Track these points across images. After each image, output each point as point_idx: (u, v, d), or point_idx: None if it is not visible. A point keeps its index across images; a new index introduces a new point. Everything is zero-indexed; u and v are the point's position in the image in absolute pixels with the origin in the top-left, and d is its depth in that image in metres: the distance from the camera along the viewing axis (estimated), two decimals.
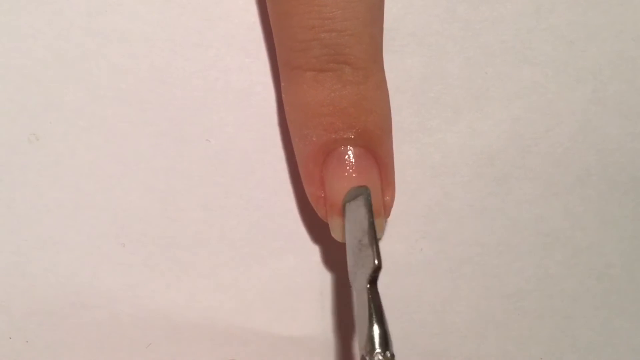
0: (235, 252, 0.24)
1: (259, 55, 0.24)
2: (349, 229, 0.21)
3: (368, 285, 0.20)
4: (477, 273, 0.24)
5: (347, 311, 0.24)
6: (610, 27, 0.25)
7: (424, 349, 0.24)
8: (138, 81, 0.24)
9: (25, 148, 0.24)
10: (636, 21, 0.25)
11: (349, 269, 0.21)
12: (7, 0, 0.24)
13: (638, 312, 0.25)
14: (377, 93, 0.22)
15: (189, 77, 0.24)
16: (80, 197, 0.24)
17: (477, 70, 0.24)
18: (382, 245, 0.24)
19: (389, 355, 0.19)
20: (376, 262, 0.20)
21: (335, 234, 0.22)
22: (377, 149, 0.22)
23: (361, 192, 0.21)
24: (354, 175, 0.21)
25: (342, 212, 0.22)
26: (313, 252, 0.24)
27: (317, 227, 0.24)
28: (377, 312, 0.19)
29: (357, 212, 0.21)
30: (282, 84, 0.23)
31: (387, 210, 0.23)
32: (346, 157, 0.22)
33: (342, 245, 0.22)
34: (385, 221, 0.23)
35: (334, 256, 0.24)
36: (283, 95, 0.23)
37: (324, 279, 0.24)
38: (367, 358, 0.19)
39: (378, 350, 0.19)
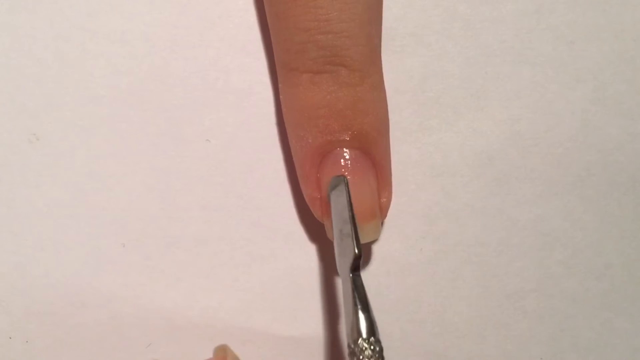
0: (235, 252, 0.24)
1: (258, 55, 0.24)
2: (333, 219, 0.21)
3: (350, 274, 0.20)
4: (477, 273, 0.24)
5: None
6: (610, 27, 0.25)
7: (424, 349, 0.24)
8: (138, 81, 0.24)
9: (25, 148, 0.24)
10: (636, 21, 0.25)
11: (336, 258, 0.21)
12: (7, 0, 0.24)
13: (638, 312, 0.25)
14: (373, 95, 0.22)
15: (189, 77, 0.24)
16: (80, 197, 0.24)
17: (477, 70, 0.24)
18: (382, 245, 0.24)
19: (373, 340, 0.19)
20: (356, 251, 0.20)
21: (331, 235, 0.22)
22: (373, 150, 0.22)
23: (340, 181, 0.21)
24: (349, 177, 0.21)
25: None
26: (313, 252, 0.24)
27: (317, 227, 0.24)
28: (361, 299, 0.19)
29: (338, 202, 0.21)
30: (279, 86, 0.23)
31: (383, 211, 0.23)
32: (342, 158, 0.22)
33: None
34: (382, 222, 0.23)
35: (333, 256, 0.24)
36: (280, 97, 0.23)
37: (324, 279, 0.24)
38: (352, 345, 0.19)
39: (364, 337, 0.19)
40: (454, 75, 0.24)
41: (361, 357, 0.19)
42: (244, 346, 0.24)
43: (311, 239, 0.24)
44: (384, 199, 0.23)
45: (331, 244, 0.23)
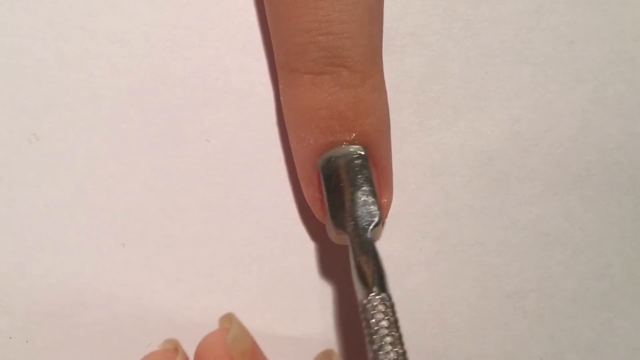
0: (235, 252, 0.24)
1: (258, 55, 0.24)
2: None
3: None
4: (477, 273, 0.24)
5: (347, 311, 0.24)
6: (610, 27, 0.25)
7: (424, 349, 0.24)
8: (138, 81, 0.24)
9: (25, 148, 0.24)
10: (636, 21, 0.25)
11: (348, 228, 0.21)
12: (7, 0, 0.24)
13: (638, 312, 0.25)
14: (374, 95, 0.22)
15: (189, 77, 0.24)
16: (80, 197, 0.24)
17: (477, 70, 0.24)
18: (382, 245, 0.24)
19: (385, 296, 0.19)
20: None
21: (332, 236, 0.22)
22: (374, 151, 0.22)
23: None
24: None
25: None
26: (313, 252, 0.24)
27: (317, 227, 0.24)
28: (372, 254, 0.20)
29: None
30: (280, 86, 0.23)
31: (384, 212, 0.23)
32: None
33: (342, 245, 0.22)
34: (383, 223, 0.23)
35: (333, 256, 0.24)
36: (281, 98, 0.23)
37: (324, 279, 0.24)
38: (365, 301, 0.19)
39: (376, 292, 0.19)
40: (454, 75, 0.24)
41: (374, 312, 0.19)
42: None
43: (311, 239, 0.24)
44: (385, 200, 0.23)
45: (331, 243, 0.23)
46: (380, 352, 0.19)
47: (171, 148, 0.24)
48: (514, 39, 0.24)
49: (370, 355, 0.19)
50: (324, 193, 0.22)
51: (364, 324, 0.19)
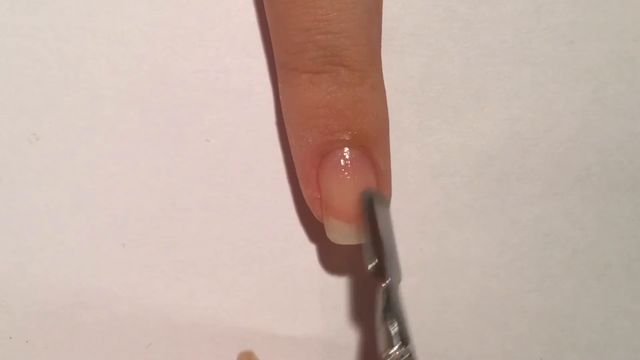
0: (235, 252, 0.24)
1: (258, 55, 0.24)
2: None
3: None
4: (477, 273, 0.24)
5: (347, 311, 0.24)
6: (610, 27, 0.25)
7: (424, 349, 0.24)
8: (138, 81, 0.24)
9: (25, 148, 0.24)
10: (636, 21, 0.25)
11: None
12: (7, 0, 0.24)
13: (638, 312, 0.25)
14: (373, 95, 0.22)
15: (189, 77, 0.24)
16: (80, 197, 0.24)
17: (477, 70, 0.24)
18: None
19: (405, 349, 0.19)
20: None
21: (331, 235, 0.22)
22: (373, 150, 0.22)
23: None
24: (349, 177, 0.21)
25: (344, 215, 0.22)
26: (313, 252, 0.24)
27: (317, 227, 0.24)
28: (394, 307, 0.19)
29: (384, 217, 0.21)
30: (279, 86, 0.23)
31: None
32: (342, 159, 0.22)
33: (342, 245, 0.22)
34: None
35: (333, 256, 0.24)
36: (280, 97, 0.23)
37: (324, 279, 0.24)
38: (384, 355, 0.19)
39: (397, 346, 0.19)
40: (454, 75, 0.24)
41: None
42: (243, 346, 0.24)
43: (311, 239, 0.24)
44: None
45: (331, 243, 0.23)
46: None
47: (171, 148, 0.24)
48: (514, 39, 0.24)
49: None
50: (368, 228, 0.21)
51: None
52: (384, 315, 0.19)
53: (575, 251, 0.24)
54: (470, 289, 0.24)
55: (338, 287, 0.24)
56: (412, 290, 0.24)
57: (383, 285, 0.20)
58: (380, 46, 0.23)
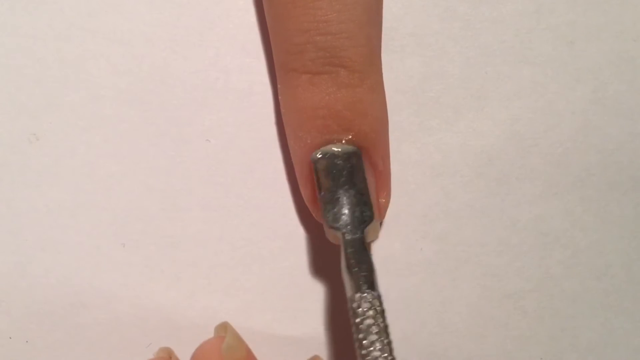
0: (235, 252, 0.24)
1: (258, 55, 0.24)
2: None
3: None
4: (477, 273, 0.24)
5: (347, 311, 0.24)
6: (610, 27, 0.25)
7: (424, 349, 0.24)
8: (138, 81, 0.24)
9: (25, 148, 0.24)
10: (636, 21, 0.25)
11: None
12: (7, 0, 0.24)
13: (638, 312, 0.25)
14: (372, 96, 0.22)
15: (189, 77, 0.24)
16: (80, 197, 0.24)
17: (477, 70, 0.24)
18: (382, 245, 0.24)
19: (375, 295, 0.19)
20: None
21: (329, 236, 0.22)
22: (372, 151, 0.22)
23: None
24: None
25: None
26: (313, 252, 0.24)
27: (317, 227, 0.24)
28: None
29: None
30: (278, 86, 0.23)
31: (381, 212, 0.23)
32: None
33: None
34: (380, 223, 0.23)
35: (333, 256, 0.24)
36: (279, 97, 0.23)
37: (324, 279, 0.24)
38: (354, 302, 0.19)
39: (365, 292, 0.19)
40: (454, 75, 0.24)
41: (362, 309, 0.19)
42: None
43: (311, 239, 0.24)
44: (383, 200, 0.23)
45: (331, 243, 0.23)
46: (365, 341, 0.19)
47: (171, 148, 0.24)
48: (514, 39, 0.24)
49: (356, 344, 0.19)
50: (317, 190, 0.22)
51: (351, 321, 0.19)
52: (350, 263, 0.20)
53: (575, 251, 0.24)
54: (470, 289, 0.24)
55: (338, 287, 0.24)
56: (412, 290, 0.24)
57: (342, 236, 0.21)
58: (380, 47, 0.23)
